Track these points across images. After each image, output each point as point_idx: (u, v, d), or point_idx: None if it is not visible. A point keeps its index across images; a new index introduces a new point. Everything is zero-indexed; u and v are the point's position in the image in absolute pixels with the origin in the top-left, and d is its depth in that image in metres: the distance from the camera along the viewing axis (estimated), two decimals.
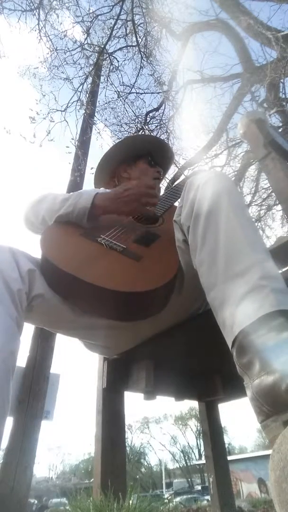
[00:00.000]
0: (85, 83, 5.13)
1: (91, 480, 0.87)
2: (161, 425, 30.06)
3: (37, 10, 4.81)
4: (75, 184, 4.06)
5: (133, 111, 5.43)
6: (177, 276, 0.73)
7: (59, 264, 0.68)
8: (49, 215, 0.87)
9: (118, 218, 0.91)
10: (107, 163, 1.22)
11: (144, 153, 1.21)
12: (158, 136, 5.09)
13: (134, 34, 5.21)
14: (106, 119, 5.64)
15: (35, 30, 4.92)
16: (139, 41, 5.31)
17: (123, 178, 1.20)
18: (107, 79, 5.38)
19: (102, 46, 5.10)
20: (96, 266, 0.71)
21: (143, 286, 0.66)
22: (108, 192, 0.89)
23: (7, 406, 0.57)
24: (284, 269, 0.65)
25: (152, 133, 5.09)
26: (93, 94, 5.20)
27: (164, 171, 1.28)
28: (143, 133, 5.00)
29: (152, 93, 5.62)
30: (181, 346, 0.90)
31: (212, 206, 0.59)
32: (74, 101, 4.98)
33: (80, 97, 5.03)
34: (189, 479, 26.33)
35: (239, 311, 0.48)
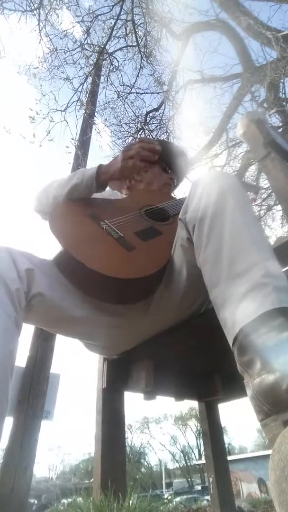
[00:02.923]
0: (85, 83, 5.15)
1: (91, 480, 0.87)
2: (161, 425, 30.08)
3: (37, 10, 4.81)
4: None
5: (133, 111, 5.45)
6: (174, 275, 0.74)
7: (58, 237, 0.74)
8: (60, 192, 0.92)
9: (130, 207, 0.95)
10: None
11: (160, 159, 1.22)
12: (158, 136, 5.09)
13: (134, 34, 5.21)
14: (106, 119, 5.66)
15: (35, 30, 4.93)
16: (139, 41, 5.31)
17: (135, 181, 1.21)
18: (107, 79, 5.39)
19: (102, 46, 5.10)
20: (89, 246, 0.75)
21: (119, 273, 0.70)
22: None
23: (6, 406, 0.57)
24: (284, 269, 0.65)
25: (152, 133, 5.09)
26: (93, 94, 5.20)
27: (178, 179, 1.30)
28: (143, 133, 5.01)
29: (152, 93, 5.64)
30: (181, 346, 0.90)
31: (217, 205, 0.60)
32: (74, 101, 5.00)
33: (80, 97, 5.05)
34: (189, 479, 26.31)
35: (240, 309, 0.47)
